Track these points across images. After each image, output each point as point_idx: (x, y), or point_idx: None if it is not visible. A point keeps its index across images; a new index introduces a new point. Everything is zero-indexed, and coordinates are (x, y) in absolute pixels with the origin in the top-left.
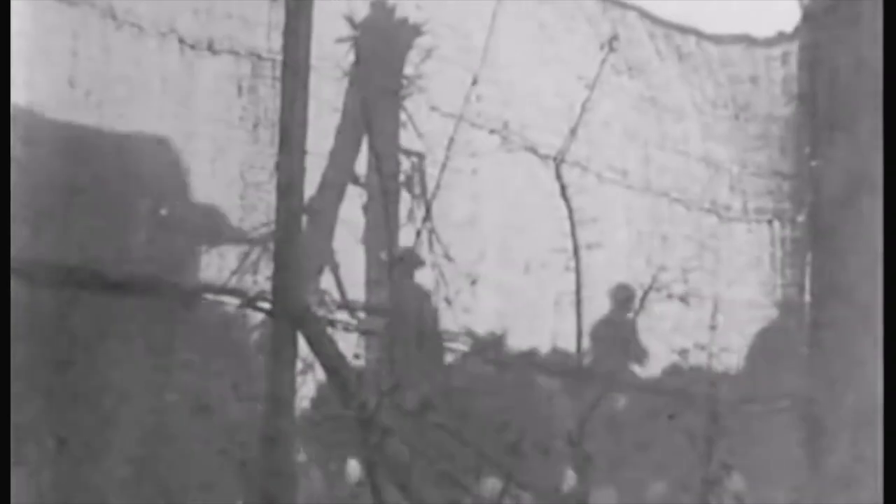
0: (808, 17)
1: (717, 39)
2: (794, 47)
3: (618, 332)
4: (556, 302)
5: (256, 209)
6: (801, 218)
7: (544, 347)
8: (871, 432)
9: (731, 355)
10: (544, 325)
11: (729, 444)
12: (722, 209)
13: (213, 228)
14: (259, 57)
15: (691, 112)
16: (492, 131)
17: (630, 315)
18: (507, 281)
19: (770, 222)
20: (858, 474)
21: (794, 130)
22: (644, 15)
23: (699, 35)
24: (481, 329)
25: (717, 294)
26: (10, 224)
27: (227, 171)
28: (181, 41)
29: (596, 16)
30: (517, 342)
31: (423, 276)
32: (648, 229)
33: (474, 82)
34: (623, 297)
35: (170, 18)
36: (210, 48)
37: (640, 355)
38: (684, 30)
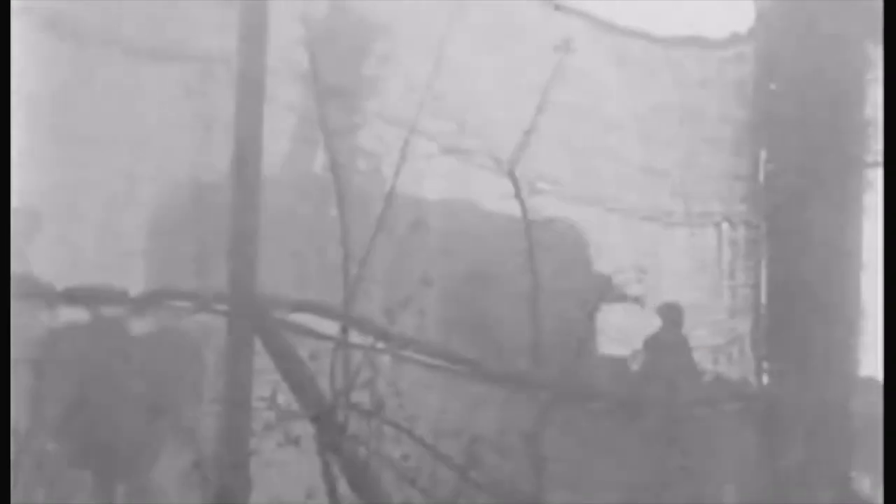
0: (762, 18)
1: (665, 42)
2: (747, 48)
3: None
4: (509, 306)
5: (212, 211)
6: (755, 219)
7: (498, 349)
8: (827, 433)
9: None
10: (499, 326)
11: (684, 447)
12: (663, 215)
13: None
14: (212, 60)
15: (631, 118)
16: (443, 135)
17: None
18: (456, 286)
19: (718, 225)
20: (814, 475)
21: (749, 132)
22: (592, 20)
23: (648, 38)
24: (433, 333)
25: (663, 297)
26: (10, 228)
27: (176, 174)
28: (129, 47)
29: (543, 22)
30: (468, 347)
31: (379, 278)
32: (596, 234)
33: (427, 87)
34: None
35: (117, 25)
36: (160, 54)
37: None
38: (632, 34)
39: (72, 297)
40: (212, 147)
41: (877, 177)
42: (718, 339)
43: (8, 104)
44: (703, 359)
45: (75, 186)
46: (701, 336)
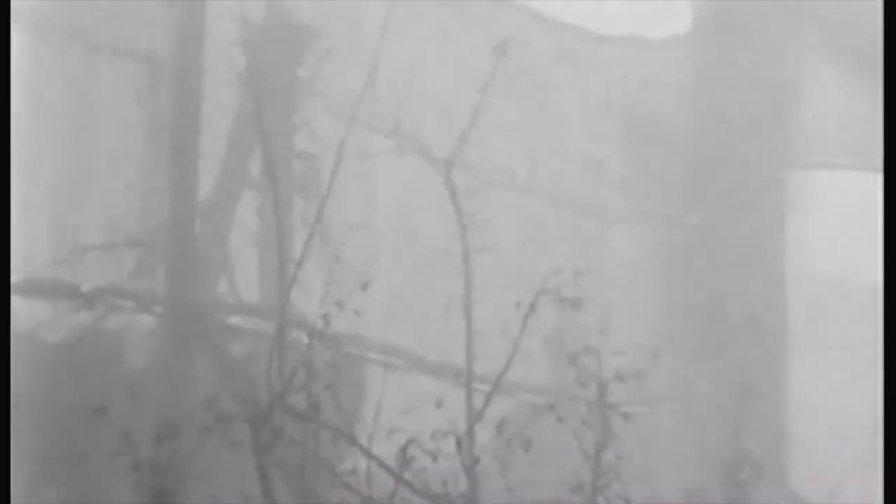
0: (699, 21)
1: (610, 41)
2: (687, 50)
3: None
4: (447, 305)
5: (153, 213)
6: (693, 220)
7: (434, 350)
8: (764, 434)
9: (619, 358)
10: (434, 328)
11: (618, 447)
12: (605, 211)
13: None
14: (155, 59)
15: (577, 113)
16: (384, 134)
17: None
18: (397, 284)
19: (655, 224)
20: (751, 476)
21: (686, 133)
22: (536, 16)
23: (591, 36)
24: (372, 332)
25: (602, 296)
26: (10, 229)
27: (126, 176)
28: (86, 44)
29: (487, 16)
30: (407, 345)
31: (316, 280)
32: (534, 232)
33: (366, 85)
34: None
35: (74, 21)
36: (113, 51)
37: None
38: (576, 31)
39: (21, 290)
40: (158, 147)
41: (812, 180)
42: (654, 339)
43: (8, 105)
44: (640, 359)
45: (31, 178)
46: (637, 336)
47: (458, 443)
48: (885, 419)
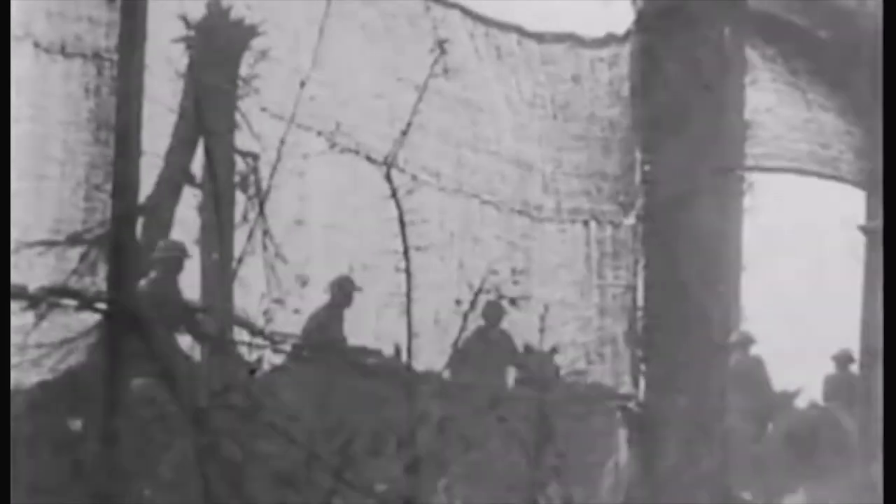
0: (641, 19)
1: (540, 38)
2: (623, 50)
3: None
4: (384, 304)
5: (96, 210)
6: (628, 220)
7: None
8: (706, 436)
9: (558, 357)
10: (371, 326)
11: (556, 447)
12: (534, 210)
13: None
14: (100, 58)
15: (506, 112)
16: (321, 133)
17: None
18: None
19: (586, 223)
20: (692, 478)
21: (621, 132)
22: (466, 14)
23: (521, 33)
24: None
25: (531, 294)
26: (10, 232)
27: (75, 175)
28: (36, 45)
29: (419, 15)
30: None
31: (256, 277)
32: (461, 230)
33: (304, 84)
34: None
35: (25, 21)
36: (62, 51)
37: None
38: (506, 28)
39: None
40: (102, 146)
41: (755, 180)
42: (587, 337)
43: (8, 106)
44: (576, 357)
45: None
46: (569, 333)
47: (399, 442)
48: (885, 417)
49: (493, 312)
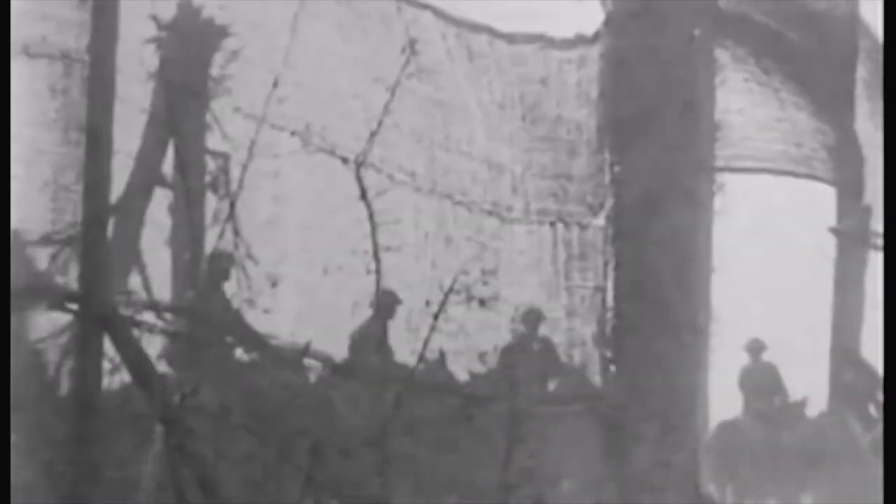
0: (611, 20)
1: (511, 39)
2: (592, 51)
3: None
4: (355, 304)
5: (66, 211)
6: (597, 221)
7: (344, 349)
8: (676, 438)
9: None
10: (344, 326)
11: (528, 448)
12: (504, 210)
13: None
14: (70, 58)
15: (477, 113)
16: (293, 133)
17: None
18: (307, 282)
19: (553, 224)
20: (662, 479)
21: (589, 133)
22: (438, 15)
23: (492, 34)
24: (281, 331)
25: (500, 295)
26: (9, 229)
27: (41, 174)
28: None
29: (391, 16)
30: (316, 344)
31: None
32: (434, 231)
33: (275, 84)
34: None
35: None
36: (26, 51)
37: None
38: (477, 29)
39: None
40: (72, 146)
41: (726, 180)
42: (557, 339)
43: (8, 106)
44: None
45: None
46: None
47: (371, 442)
48: (885, 419)
49: (532, 319)
